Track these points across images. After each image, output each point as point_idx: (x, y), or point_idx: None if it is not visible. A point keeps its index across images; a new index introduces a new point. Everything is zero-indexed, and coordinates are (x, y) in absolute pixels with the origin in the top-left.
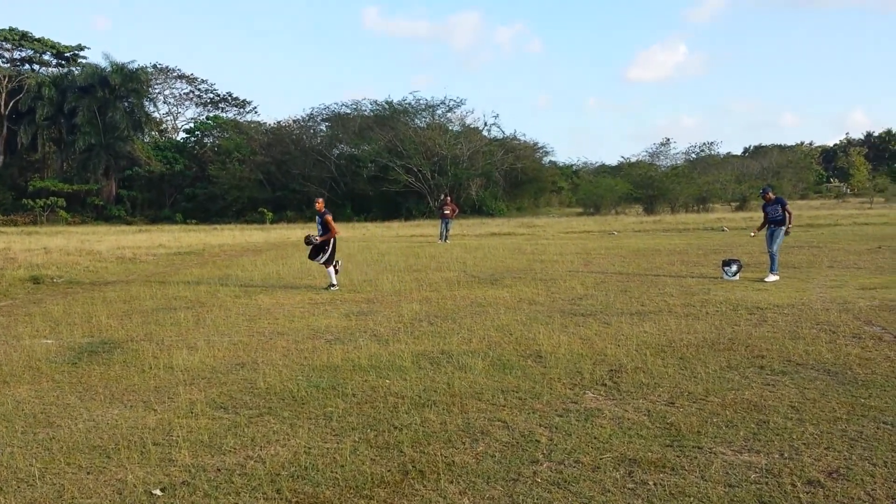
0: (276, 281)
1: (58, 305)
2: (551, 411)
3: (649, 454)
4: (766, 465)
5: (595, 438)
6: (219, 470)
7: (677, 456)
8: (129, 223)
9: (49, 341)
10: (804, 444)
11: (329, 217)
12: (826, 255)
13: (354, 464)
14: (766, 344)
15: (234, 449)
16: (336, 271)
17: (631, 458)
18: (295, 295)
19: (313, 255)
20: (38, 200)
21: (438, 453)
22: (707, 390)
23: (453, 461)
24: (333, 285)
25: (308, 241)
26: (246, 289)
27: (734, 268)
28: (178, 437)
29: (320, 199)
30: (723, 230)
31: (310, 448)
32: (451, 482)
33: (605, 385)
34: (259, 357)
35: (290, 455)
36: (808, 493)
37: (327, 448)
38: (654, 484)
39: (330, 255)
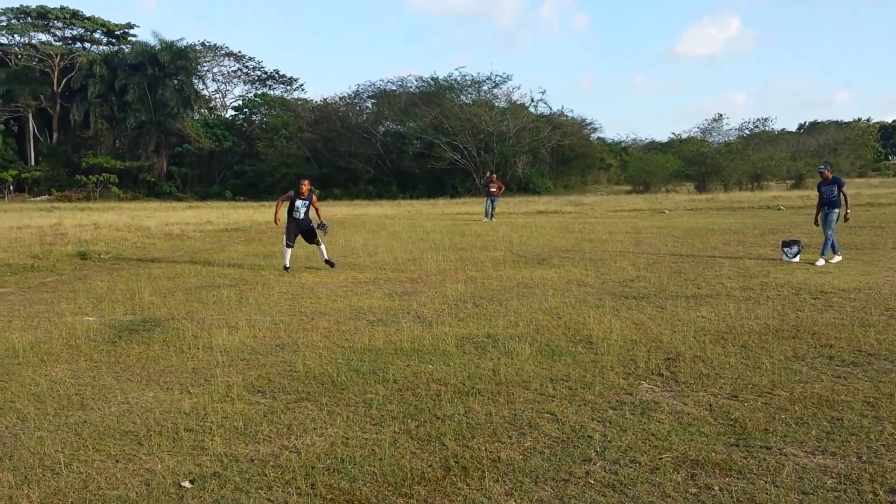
0: (319, 258)
1: (102, 282)
2: (604, 403)
3: (713, 454)
4: (843, 469)
5: (652, 435)
6: (252, 460)
7: (744, 457)
8: (179, 199)
9: (91, 319)
10: (884, 445)
11: (315, 198)
12: (890, 237)
13: (394, 457)
14: (833, 332)
15: (269, 437)
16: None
17: (693, 458)
18: (338, 273)
19: (311, 238)
20: (91, 177)
21: (483, 448)
22: (773, 383)
23: (499, 457)
24: (286, 267)
25: (322, 227)
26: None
27: (795, 249)
28: (212, 422)
29: (306, 182)
30: (779, 209)
31: (347, 438)
32: (497, 481)
33: (662, 375)
34: (300, 338)
35: (326, 445)
36: None
37: (366, 439)
38: (720, 489)
39: (288, 236)
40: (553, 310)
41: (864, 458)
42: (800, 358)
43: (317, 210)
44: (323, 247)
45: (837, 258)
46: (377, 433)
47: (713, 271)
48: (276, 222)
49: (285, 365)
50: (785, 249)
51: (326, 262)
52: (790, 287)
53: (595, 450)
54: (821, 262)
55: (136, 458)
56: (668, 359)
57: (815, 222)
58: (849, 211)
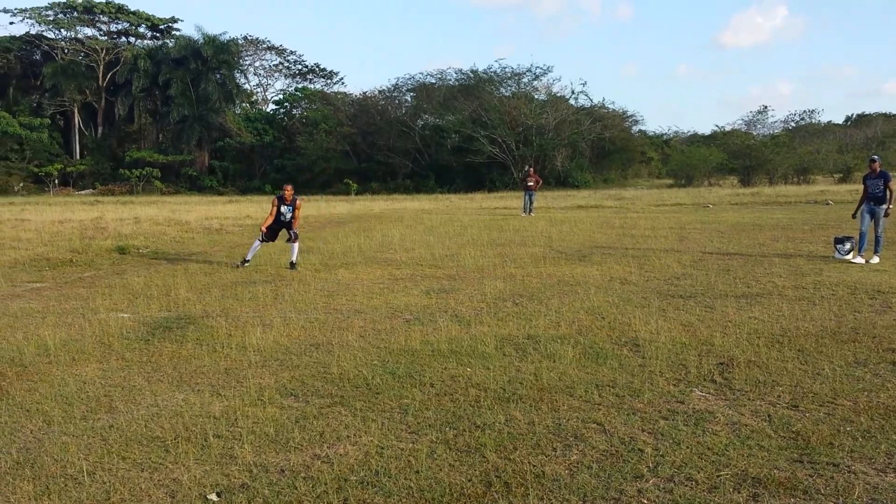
0: (356, 254)
1: (139, 277)
2: (654, 413)
3: (775, 472)
4: None
5: (708, 449)
6: (282, 471)
7: (809, 475)
8: (220, 193)
9: (125, 315)
10: None
11: (300, 203)
12: None
13: (431, 469)
14: (895, 335)
15: (301, 445)
16: (259, 243)
17: (754, 476)
18: (375, 269)
19: (288, 237)
20: (134, 171)
21: (526, 461)
22: (835, 391)
23: (543, 472)
24: (247, 260)
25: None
26: (326, 262)
27: (848, 245)
28: (243, 428)
29: (289, 186)
30: (827, 203)
31: (382, 448)
32: (542, 499)
33: (715, 382)
34: (334, 338)
35: (360, 455)
36: None
37: (402, 449)
38: None
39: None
40: (596, 309)
41: None
42: (861, 364)
43: (296, 215)
44: (296, 246)
45: (875, 259)
46: (413, 442)
47: (763, 269)
48: (262, 229)
49: (319, 366)
50: (838, 246)
51: (292, 264)
52: (845, 286)
53: (647, 465)
54: (875, 259)
55: (162, 466)
56: (721, 364)
57: (854, 215)
58: (891, 206)
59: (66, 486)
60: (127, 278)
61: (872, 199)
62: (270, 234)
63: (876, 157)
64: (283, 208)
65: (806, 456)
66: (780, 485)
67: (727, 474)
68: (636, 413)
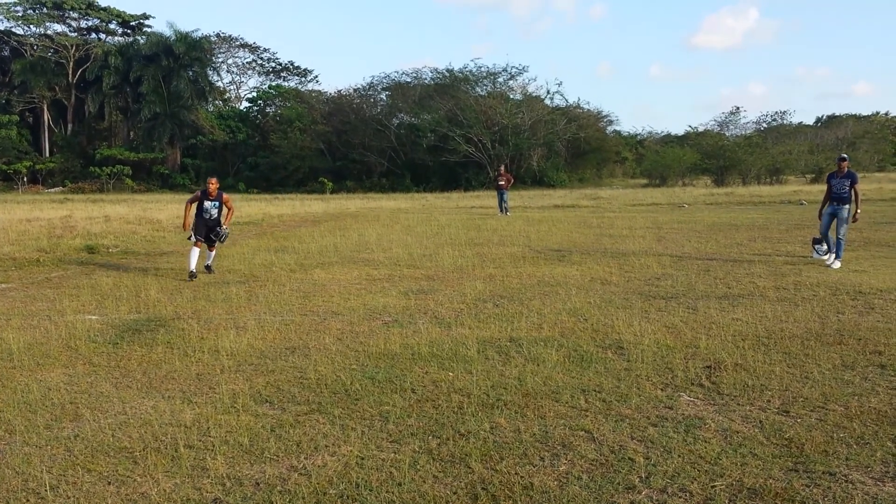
0: (333, 254)
1: (108, 278)
2: (643, 419)
3: (771, 481)
4: None
5: (701, 458)
6: (257, 484)
7: (806, 485)
8: (192, 191)
9: (93, 317)
10: None
11: (228, 197)
12: None
13: (414, 481)
14: (880, 337)
15: (277, 456)
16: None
17: (749, 486)
18: (352, 269)
19: (211, 242)
20: (104, 168)
21: (513, 472)
22: (825, 396)
23: (531, 483)
24: (192, 273)
25: (220, 235)
26: (302, 262)
27: (825, 246)
28: (215, 438)
29: (214, 180)
30: (801, 203)
31: (363, 458)
32: None
33: (703, 386)
34: (311, 341)
35: (339, 467)
36: None
37: (383, 459)
38: None
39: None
40: (578, 311)
41: None
42: (849, 367)
43: (229, 211)
44: (214, 253)
45: (837, 264)
46: (395, 452)
47: (743, 270)
48: (184, 228)
49: (295, 371)
50: (816, 247)
51: (207, 266)
52: (826, 287)
53: (639, 476)
54: (836, 264)
55: (129, 479)
56: (708, 367)
57: (819, 215)
58: (858, 210)
59: (27, 500)
60: (96, 279)
61: (836, 200)
62: (201, 235)
63: (846, 155)
64: (207, 203)
65: (801, 464)
66: (777, 496)
67: (722, 485)
68: (624, 419)
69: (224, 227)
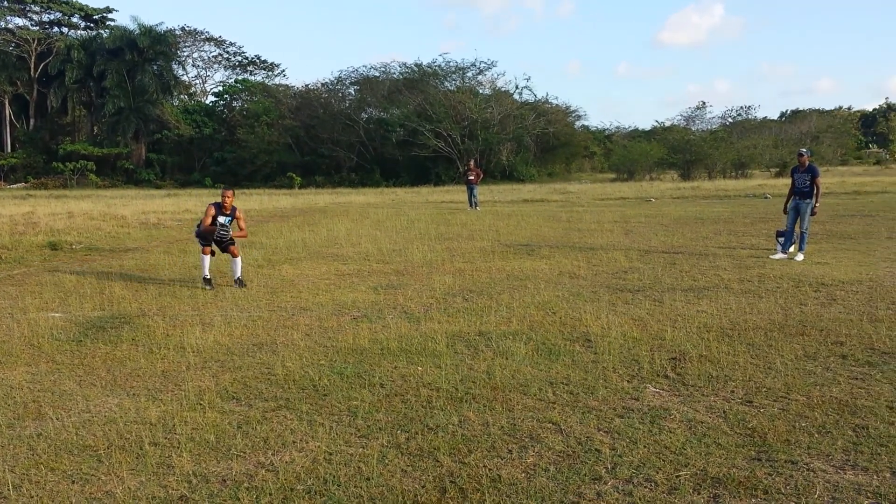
0: (301, 249)
1: (72, 275)
2: (609, 411)
3: (734, 471)
4: (877, 487)
5: (666, 448)
6: (223, 481)
7: (769, 474)
8: (158, 187)
9: (56, 315)
10: None
11: (241, 214)
12: (882, 225)
13: (383, 476)
14: (842, 328)
15: (244, 453)
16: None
17: (713, 476)
18: (321, 265)
19: (225, 247)
20: (68, 164)
21: (481, 464)
22: (787, 386)
23: (499, 476)
24: (207, 279)
25: (220, 235)
26: (270, 258)
27: (779, 245)
28: (181, 435)
29: (230, 194)
30: (765, 197)
31: (331, 454)
32: None
33: (668, 377)
34: (279, 336)
35: (307, 462)
36: None
37: (351, 454)
38: None
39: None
40: (546, 304)
41: None
42: (811, 357)
43: (241, 228)
44: (239, 261)
45: (800, 256)
46: (364, 447)
47: (708, 262)
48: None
49: (263, 367)
50: (779, 240)
51: (237, 280)
52: (789, 279)
53: (605, 466)
54: (800, 256)
55: (94, 478)
56: (674, 359)
57: (785, 210)
58: (817, 204)
59: None
60: (59, 276)
61: (798, 194)
62: (208, 241)
63: (804, 150)
64: (221, 218)
65: (764, 454)
66: (740, 484)
67: (686, 474)
68: (591, 411)
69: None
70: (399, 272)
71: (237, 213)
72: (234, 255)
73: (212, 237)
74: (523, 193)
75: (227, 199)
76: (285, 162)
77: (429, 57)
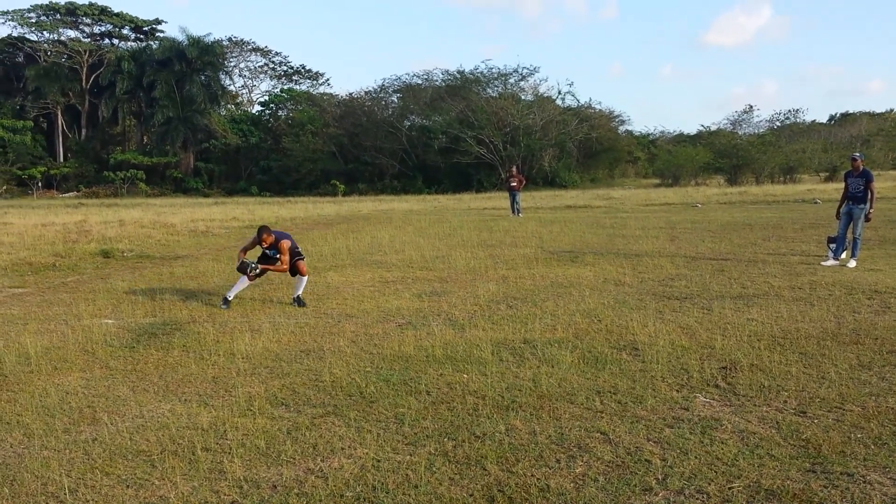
0: (345, 256)
1: (124, 282)
2: (659, 420)
3: (789, 482)
4: None
5: (718, 459)
6: (274, 487)
7: (824, 486)
8: (206, 195)
9: (109, 321)
10: None
11: (285, 245)
12: None
13: (430, 484)
14: None
15: (293, 459)
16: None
17: (767, 487)
18: (365, 272)
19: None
20: (118, 173)
21: (529, 474)
22: (842, 396)
23: (548, 485)
24: (227, 300)
25: (250, 268)
26: (315, 265)
27: (831, 252)
28: (232, 441)
29: (268, 234)
30: (815, 202)
31: (378, 460)
32: None
33: (718, 387)
34: (325, 343)
35: (355, 469)
36: None
37: (399, 461)
38: None
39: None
40: (592, 312)
41: None
42: (866, 367)
43: (280, 259)
44: (304, 280)
45: (852, 263)
46: (411, 454)
47: (757, 269)
48: (240, 255)
49: (310, 374)
50: (831, 246)
51: (296, 299)
52: (841, 286)
53: (655, 477)
54: (852, 263)
55: (148, 483)
56: (724, 368)
57: (837, 215)
58: (871, 209)
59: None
60: (111, 283)
61: (852, 199)
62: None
63: (857, 154)
64: (268, 252)
65: (818, 465)
66: (795, 497)
67: (739, 486)
68: (640, 421)
69: (256, 265)
70: (443, 279)
71: (281, 246)
72: (302, 274)
73: (250, 270)
74: (566, 199)
75: (264, 238)
76: (329, 170)
77: (471, 63)
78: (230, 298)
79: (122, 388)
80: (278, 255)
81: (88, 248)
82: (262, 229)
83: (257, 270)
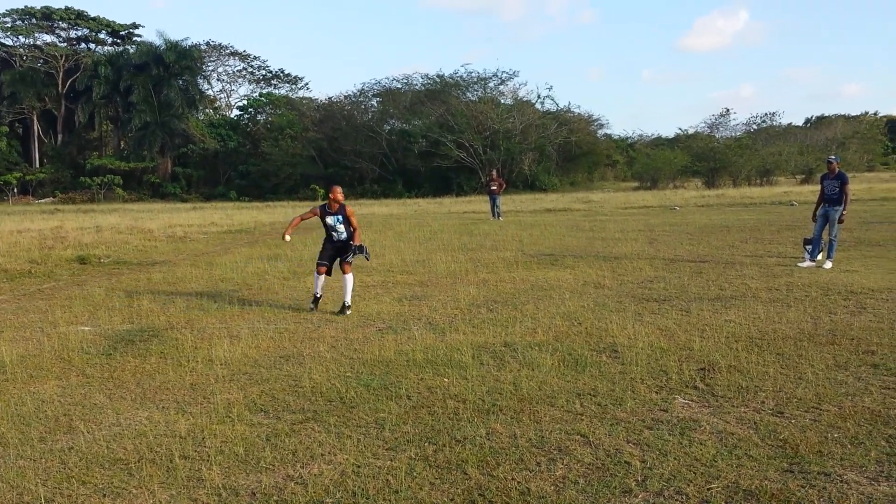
0: None
1: (101, 288)
2: (638, 422)
3: (767, 483)
4: None
5: (696, 460)
6: (253, 494)
7: (802, 486)
8: (184, 200)
9: (86, 328)
10: None
11: (352, 210)
12: None
13: (411, 489)
14: (872, 337)
15: (272, 465)
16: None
17: (745, 488)
18: None
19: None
20: (95, 178)
21: (510, 477)
22: (819, 396)
23: (528, 489)
24: (317, 297)
25: (357, 250)
26: (294, 269)
27: (807, 254)
28: (211, 448)
29: (338, 190)
30: (791, 204)
31: (359, 466)
32: None
33: (697, 388)
34: (305, 349)
35: (335, 475)
36: None
37: (379, 467)
38: None
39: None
40: (572, 314)
41: None
42: (842, 367)
43: (355, 230)
44: (350, 283)
45: (828, 264)
46: (391, 459)
47: (735, 271)
48: (282, 237)
49: (290, 379)
50: (807, 248)
51: (343, 307)
52: (818, 287)
53: (635, 479)
54: (828, 264)
55: (125, 491)
56: (702, 369)
57: (814, 217)
58: (845, 211)
59: None
60: (88, 289)
61: (828, 201)
62: (326, 259)
63: (833, 157)
64: (330, 220)
65: (796, 465)
66: (773, 497)
67: (718, 487)
68: (620, 423)
69: (360, 244)
70: (423, 283)
71: (347, 211)
72: (345, 272)
73: (333, 254)
74: (546, 203)
75: (334, 194)
76: (309, 174)
77: (450, 67)
78: (319, 295)
79: (99, 396)
80: (345, 224)
81: (65, 255)
82: (334, 184)
83: (362, 253)
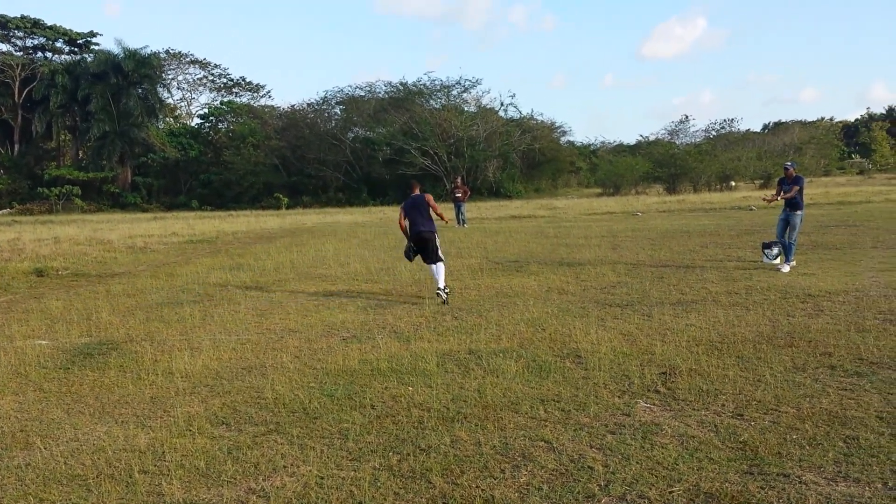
0: (289, 270)
1: (58, 301)
2: (601, 427)
3: (727, 485)
4: (869, 499)
5: (658, 464)
6: None
7: (761, 488)
8: (144, 210)
9: (43, 342)
10: None
11: (430, 197)
12: (867, 235)
13: (375, 499)
14: (830, 339)
15: (234, 479)
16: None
17: (706, 490)
18: (309, 285)
19: (428, 256)
20: (53, 189)
21: (474, 485)
22: (777, 398)
23: (492, 496)
24: (440, 289)
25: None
26: (257, 279)
27: (775, 250)
28: (171, 462)
29: (416, 185)
30: (751, 209)
31: (322, 478)
32: None
33: (659, 392)
34: (268, 359)
35: (298, 487)
36: None
37: (343, 478)
38: None
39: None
40: (536, 321)
41: (891, 485)
42: (800, 369)
43: (438, 215)
44: (441, 269)
45: (786, 268)
46: (355, 470)
47: (695, 276)
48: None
49: (252, 391)
50: (766, 251)
51: (438, 292)
52: (776, 291)
53: (598, 484)
54: (786, 268)
55: None
56: (664, 373)
57: (765, 200)
58: (777, 198)
59: None
60: (45, 302)
61: (788, 206)
62: (408, 254)
63: (790, 163)
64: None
65: (756, 467)
66: (733, 499)
67: (679, 490)
68: (583, 428)
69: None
70: (388, 291)
71: (427, 199)
72: (436, 263)
73: (412, 250)
74: (510, 210)
75: (414, 189)
76: (272, 183)
77: (414, 74)
78: (442, 286)
79: (57, 411)
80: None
81: (21, 267)
82: (414, 182)
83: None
